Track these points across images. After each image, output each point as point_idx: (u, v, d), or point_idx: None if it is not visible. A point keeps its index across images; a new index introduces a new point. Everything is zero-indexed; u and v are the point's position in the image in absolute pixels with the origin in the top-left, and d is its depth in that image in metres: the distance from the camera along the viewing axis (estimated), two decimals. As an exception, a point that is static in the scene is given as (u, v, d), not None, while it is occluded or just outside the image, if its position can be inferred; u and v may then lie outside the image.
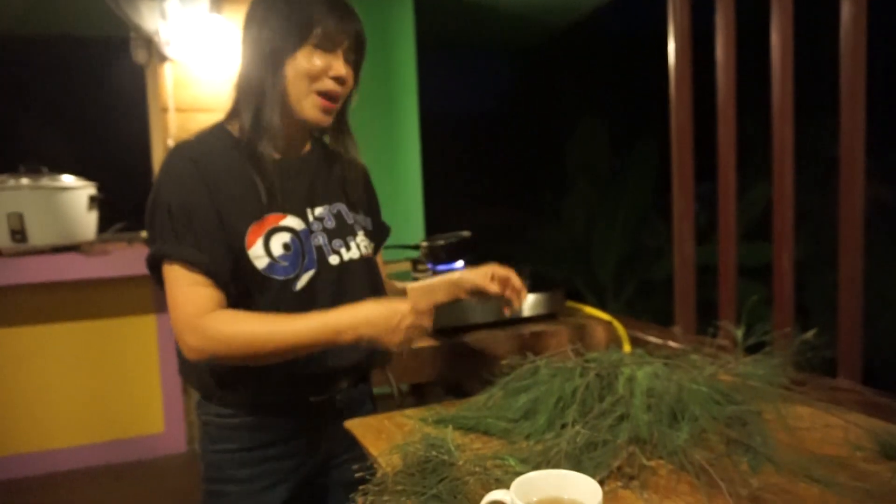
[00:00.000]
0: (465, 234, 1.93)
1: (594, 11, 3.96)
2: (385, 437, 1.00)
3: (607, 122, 5.12)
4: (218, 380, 1.07)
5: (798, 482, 0.80)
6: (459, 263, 1.97)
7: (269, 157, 1.05)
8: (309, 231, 1.08)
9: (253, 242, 1.02)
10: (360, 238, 1.15)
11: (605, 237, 4.80)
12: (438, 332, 1.57)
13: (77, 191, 2.35)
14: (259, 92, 1.03)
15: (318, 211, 1.11)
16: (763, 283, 3.75)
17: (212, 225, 1.00)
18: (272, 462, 1.11)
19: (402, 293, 1.28)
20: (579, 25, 4.21)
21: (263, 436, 1.10)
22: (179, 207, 0.99)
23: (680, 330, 1.66)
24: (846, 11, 1.18)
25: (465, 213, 5.37)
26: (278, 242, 1.04)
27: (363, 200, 1.22)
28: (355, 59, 1.09)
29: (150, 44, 2.58)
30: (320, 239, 1.09)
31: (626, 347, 1.60)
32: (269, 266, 1.02)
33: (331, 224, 1.11)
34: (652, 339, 1.58)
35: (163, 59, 2.60)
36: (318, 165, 1.14)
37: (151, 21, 2.46)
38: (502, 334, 1.59)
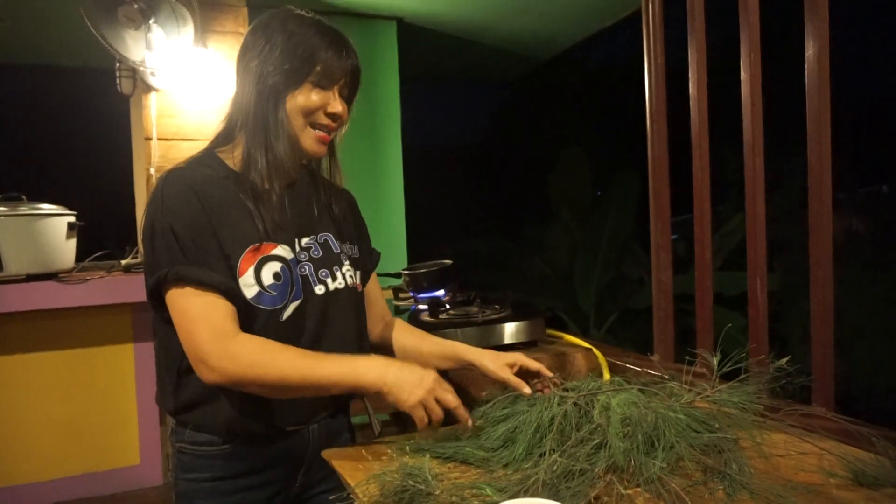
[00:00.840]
0: (447, 262, 1.95)
1: (575, 45, 4.05)
2: (363, 466, 0.99)
3: (589, 152, 5.21)
4: (196, 407, 1.06)
5: (772, 509, 0.81)
6: (440, 292, 1.97)
7: (265, 188, 1.06)
8: (296, 261, 1.08)
9: (245, 271, 1.01)
10: (346, 268, 1.15)
11: (587, 266, 4.84)
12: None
13: (55, 218, 2.33)
14: (264, 127, 1.04)
15: (305, 241, 1.11)
16: (741, 312, 3.80)
17: (215, 246, 1.00)
18: (245, 492, 1.09)
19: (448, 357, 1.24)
20: (561, 58, 4.30)
21: (238, 465, 1.08)
22: (185, 229, 0.98)
23: (658, 357, 1.67)
24: (811, 50, 1.23)
25: (449, 242, 5.39)
26: (269, 272, 1.03)
27: (350, 229, 1.23)
28: (349, 94, 1.12)
29: (135, 74, 2.60)
30: (307, 269, 1.09)
31: (606, 375, 1.61)
32: (258, 295, 1.02)
33: (317, 254, 1.11)
34: (631, 366, 1.59)
35: (148, 89, 2.62)
36: (306, 194, 1.15)
37: (137, 52, 2.48)
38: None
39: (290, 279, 1.06)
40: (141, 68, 2.52)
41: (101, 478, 2.57)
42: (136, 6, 2.40)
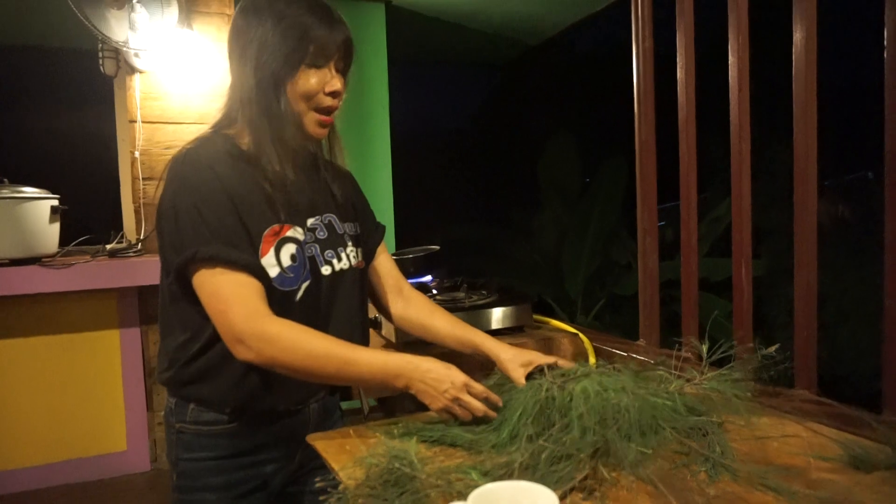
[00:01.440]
0: (434, 247, 1.94)
1: (565, 30, 4.03)
2: (349, 450, 0.99)
3: (578, 138, 5.20)
4: (205, 381, 1.06)
5: (754, 491, 0.82)
6: (427, 277, 1.97)
7: (278, 170, 1.05)
8: (305, 242, 1.08)
9: (266, 251, 1.02)
10: (350, 248, 1.16)
11: (575, 252, 4.85)
12: (406, 345, 1.57)
13: (38, 202, 2.30)
14: (268, 117, 1.03)
15: (311, 222, 1.11)
16: (728, 297, 3.83)
17: (240, 226, 0.99)
18: (247, 469, 1.10)
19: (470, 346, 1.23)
20: (550, 43, 4.28)
21: (241, 443, 1.09)
22: (210, 208, 0.97)
23: (644, 343, 1.68)
24: (798, 35, 1.23)
25: (437, 227, 5.38)
26: (287, 253, 1.04)
27: (352, 208, 1.23)
28: (345, 66, 1.10)
29: (118, 55, 2.55)
30: (314, 249, 1.09)
31: (592, 359, 1.62)
32: (279, 276, 1.03)
33: (322, 234, 1.12)
34: (617, 351, 1.60)
35: (131, 70, 2.58)
36: (309, 176, 1.15)
37: (120, 32, 2.44)
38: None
39: (303, 260, 1.06)
40: (124, 49, 2.48)
41: (88, 464, 2.57)
42: (119, -14, 2.35)
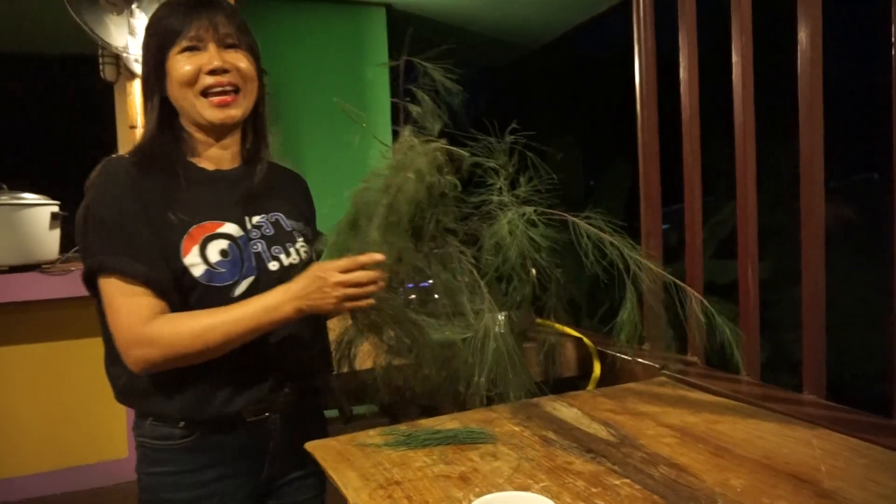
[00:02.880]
0: (436, 249, 1.93)
1: (566, 33, 4.02)
2: (348, 460, 0.98)
3: (581, 142, 5.18)
4: (150, 395, 1.04)
5: (763, 502, 0.80)
6: (430, 281, 1.95)
7: (198, 168, 1.07)
8: (248, 238, 1.07)
9: (188, 250, 1.01)
10: (301, 244, 1.15)
11: (579, 255, 4.82)
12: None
13: (38, 208, 2.29)
14: (161, 112, 1.06)
15: (256, 219, 1.10)
16: (733, 300, 3.79)
17: (147, 234, 0.99)
18: (210, 485, 1.07)
19: None
20: (552, 46, 4.27)
21: (200, 458, 1.06)
22: (112, 219, 0.98)
23: (650, 346, 1.66)
24: (803, 34, 1.21)
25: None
26: (215, 249, 1.03)
27: (303, 210, 1.22)
28: (237, 43, 1.07)
29: (118, 61, 2.55)
30: (259, 245, 1.08)
31: (596, 364, 1.60)
32: (207, 273, 1.01)
33: (269, 231, 1.11)
34: (622, 355, 1.58)
35: (131, 76, 2.57)
36: (256, 176, 1.13)
37: (120, 38, 2.43)
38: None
39: (239, 256, 1.05)
40: (124, 55, 2.47)
41: (89, 471, 2.55)
42: (119, -9, 2.35)
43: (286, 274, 1.08)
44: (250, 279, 1.05)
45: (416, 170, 1.00)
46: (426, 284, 1.98)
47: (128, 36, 2.43)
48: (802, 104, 1.22)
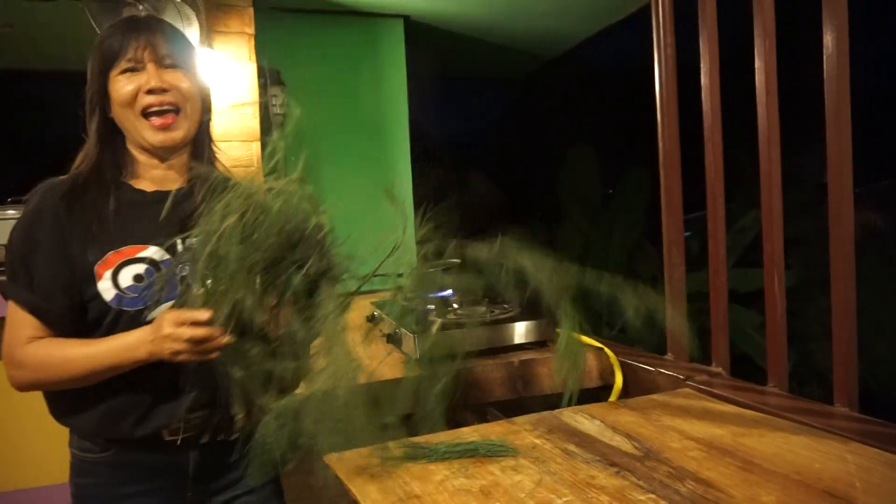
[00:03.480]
0: (455, 261, 1.91)
1: (584, 42, 4.01)
2: (367, 473, 0.96)
3: (599, 151, 5.15)
4: (75, 416, 1.07)
5: (795, 516, 0.77)
6: (448, 291, 1.94)
7: (135, 190, 1.08)
8: (173, 262, 1.06)
9: (101, 275, 1.02)
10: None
11: (599, 265, 4.78)
12: (430, 360, 1.54)
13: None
14: (102, 132, 1.07)
15: (190, 241, 1.08)
16: (758, 309, 3.73)
17: (49, 263, 1.02)
18: (135, 498, 1.08)
19: None
20: (569, 55, 4.26)
21: (120, 472, 1.08)
22: (19, 249, 1.03)
23: (672, 357, 1.63)
24: (829, 38, 1.19)
25: (458, 241, 5.34)
26: (129, 274, 1.03)
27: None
28: (177, 63, 1.06)
29: (140, 75, 2.59)
30: (188, 269, 1.05)
31: (618, 374, 1.57)
32: (117, 298, 1.02)
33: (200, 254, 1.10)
34: (644, 366, 1.55)
35: (153, 90, 2.61)
36: (194, 195, 1.09)
37: (141, 53, 2.47)
38: (491, 363, 1.56)
39: (166, 280, 1.05)
40: (146, 70, 2.51)
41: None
42: (140, 7, 2.38)
43: (210, 299, 1.05)
44: (169, 304, 1.03)
45: (240, 213, 0.95)
46: (447, 294, 1.97)
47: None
48: (829, 109, 1.19)
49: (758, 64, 1.31)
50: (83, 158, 1.09)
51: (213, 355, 0.96)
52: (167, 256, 1.06)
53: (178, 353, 0.95)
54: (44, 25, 3.15)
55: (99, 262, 1.02)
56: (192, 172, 1.12)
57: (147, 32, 1.05)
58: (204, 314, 0.93)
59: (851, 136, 1.18)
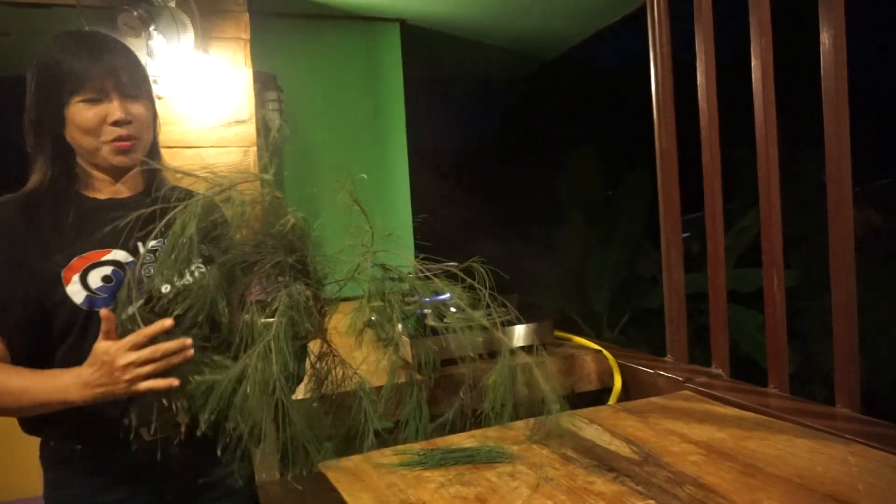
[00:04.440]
0: (452, 264, 1.90)
1: (581, 43, 4.00)
2: (362, 480, 0.95)
3: (599, 152, 5.14)
4: (54, 424, 1.05)
5: (797, 521, 0.76)
6: (446, 295, 1.93)
7: (90, 199, 1.08)
8: (138, 263, 1.08)
9: (69, 279, 1.02)
10: (197, 265, 1.12)
11: (599, 266, 4.76)
12: (424, 365, 1.53)
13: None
14: (56, 151, 1.06)
15: (152, 244, 1.10)
16: (758, 309, 3.71)
17: (5, 278, 1.01)
18: None
19: None
20: (567, 57, 4.25)
21: (99, 479, 1.07)
22: None
23: (672, 359, 1.61)
24: (826, 36, 1.18)
25: (457, 244, 5.33)
26: (97, 276, 1.04)
27: (207, 231, 1.18)
28: (139, 93, 1.08)
29: (135, 81, 2.58)
30: (152, 269, 1.08)
31: (617, 377, 1.56)
32: (87, 299, 1.02)
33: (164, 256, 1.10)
34: (644, 368, 1.54)
35: (149, 96, 2.60)
36: (154, 202, 1.10)
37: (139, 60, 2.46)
38: (489, 367, 1.54)
39: (125, 281, 1.05)
40: (142, 76, 2.50)
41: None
42: (135, 14, 2.38)
43: (180, 296, 1.06)
44: (138, 303, 1.03)
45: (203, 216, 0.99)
46: (445, 298, 1.95)
47: (146, 58, 2.46)
48: (827, 107, 1.18)
49: (754, 62, 1.30)
50: (39, 178, 1.08)
51: (170, 381, 0.94)
52: (131, 259, 1.08)
53: (137, 378, 0.92)
54: (39, 33, 3.14)
55: (65, 268, 1.03)
56: (143, 183, 1.15)
57: (110, 59, 1.05)
58: (168, 322, 0.93)
59: (850, 134, 1.17)
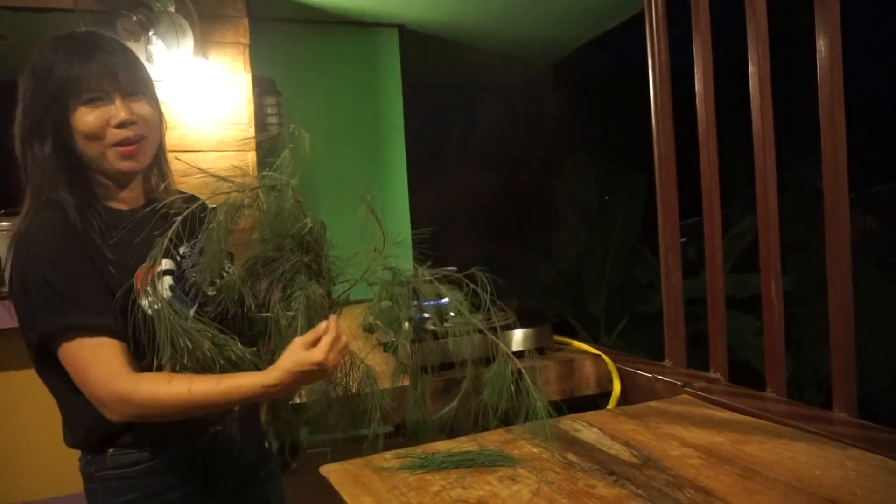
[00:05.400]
0: (451, 269, 1.91)
1: (578, 49, 4.02)
2: (363, 484, 0.95)
3: (595, 157, 5.16)
4: (118, 435, 1.03)
5: (796, 524, 0.76)
6: (445, 299, 1.93)
7: (116, 211, 1.05)
8: (181, 269, 1.08)
9: (140, 292, 0.99)
10: (227, 265, 1.13)
11: (596, 271, 4.78)
12: (422, 369, 1.53)
13: None
14: (60, 159, 1.00)
15: (182, 250, 1.10)
16: (755, 314, 3.72)
17: (97, 284, 0.97)
18: (182, 502, 1.07)
19: None
20: (564, 63, 4.27)
21: (167, 478, 1.06)
22: (59, 275, 0.95)
23: (670, 363, 1.62)
24: (822, 43, 1.19)
25: (454, 249, 5.34)
26: (165, 286, 1.02)
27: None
28: (140, 90, 1.04)
29: (134, 86, 2.58)
30: (194, 274, 1.08)
31: (616, 382, 1.56)
32: (157, 312, 1.00)
33: (197, 258, 1.11)
34: (642, 372, 1.55)
35: (148, 100, 2.60)
36: (169, 209, 1.10)
37: (136, 63, 2.47)
38: (489, 371, 1.55)
39: (183, 287, 1.06)
40: (141, 80, 2.50)
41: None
42: (134, 18, 2.38)
43: (221, 294, 1.08)
44: (195, 307, 1.05)
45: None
46: (444, 302, 1.96)
47: (145, 62, 2.46)
48: (823, 113, 1.19)
49: (751, 69, 1.31)
50: (47, 185, 1.02)
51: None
52: (175, 265, 1.07)
53: (337, 361, 0.98)
54: (37, 37, 3.14)
55: (133, 279, 1.00)
56: (156, 191, 1.13)
57: (105, 57, 1.00)
58: (334, 326, 0.99)
59: (846, 140, 1.18)
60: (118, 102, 1.00)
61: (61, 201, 1.01)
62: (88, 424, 1.03)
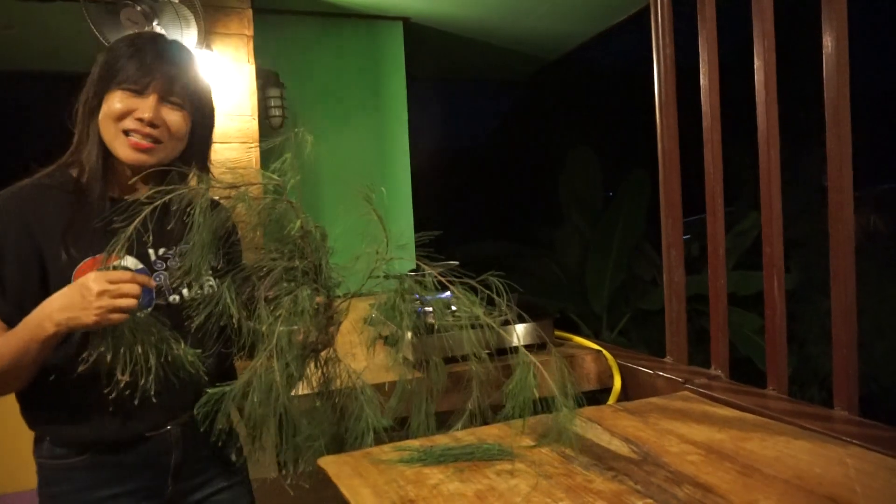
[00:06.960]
0: (454, 263, 1.91)
1: (584, 44, 4.00)
2: (361, 476, 0.95)
3: (599, 153, 5.14)
4: (49, 422, 1.05)
5: (795, 521, 0.76)
6: (447, 293, 1.93)
7: (103, 198, 1.05)
8: (150, 271, 1.07)
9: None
10: (207, 278, 1.12)
11: (599, 267, 4.77)
12: (426, 363, 1.53)
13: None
14: (79, 141, 1.06)
15: (162, 251, 1.10)
16: (757, 311, 3.72)
17: (20, 270, 0.99)
18: (110, 501, 1.07)
19: None
20: (569, 58, 4.25)
21: (99, 474, 1.06)
22: None
23: (672, 360, 1.62)
24: (828, 39, 1.18)
25: (457, 243, 5.34)
26: None
27: (217, 243, 1.18)
28: (182, 103, 1.07)
29: (138, 76, 2.58)
30: (161, 278, 1.08)
31: (616, 378, 1.56)
32: None
33: (175, 264, 1.10)
34: (643, 369, 1.54)
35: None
36: (165, 206, 1.08)
37: (140, 54, 2.46)
38: (490, 365, 1.55)
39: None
40: (144, 71, 2.50)
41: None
42: (138, 9, 2.38)
43: (190, 308, 1.07)
44: (146, 311, 1.04)
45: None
46: (446, 296, 1.96)
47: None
48: (829, 111, 1.18)
49: (757, 65, 1.31)
50: (84, 160, 1.06)
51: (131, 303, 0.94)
52: (141, 266, 1.07)
53: (108, 309, 0.92)
54: (42, 27, 3.14)
55: (75, 271, 1.01)
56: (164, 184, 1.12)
57: (162, 58, 1.05)
58: (152, 282, 1.00)
59: (852, 138, 1.18)
60: (151, 100, 1.04)
61: (58, 177, 1.06)
62: (28, 402, 1.06)
